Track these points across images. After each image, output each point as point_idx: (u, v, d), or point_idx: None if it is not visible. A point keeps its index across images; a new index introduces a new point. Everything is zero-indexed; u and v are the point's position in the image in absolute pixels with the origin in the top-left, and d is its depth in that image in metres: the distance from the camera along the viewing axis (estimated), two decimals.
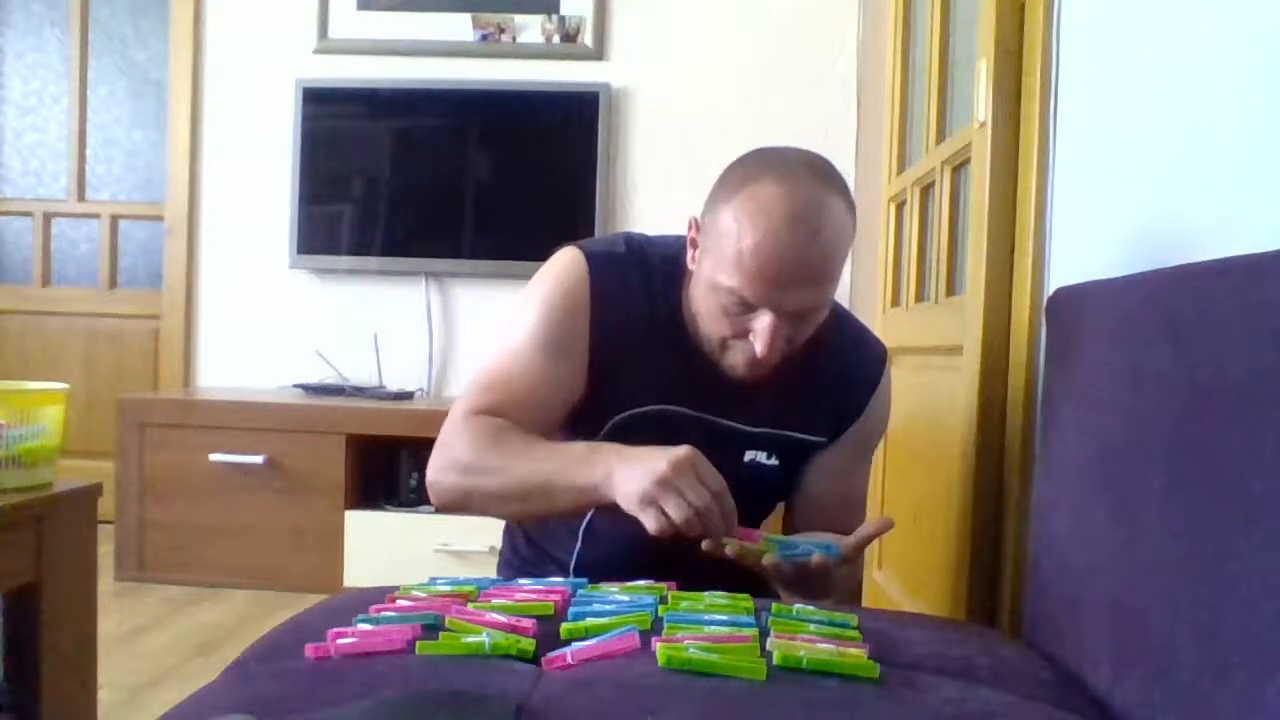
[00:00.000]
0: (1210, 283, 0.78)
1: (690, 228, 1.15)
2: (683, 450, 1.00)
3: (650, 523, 0.99)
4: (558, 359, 1.16)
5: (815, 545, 1.03)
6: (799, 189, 1.04)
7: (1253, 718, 0.66)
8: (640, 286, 1.19)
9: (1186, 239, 0.95)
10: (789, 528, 1.28)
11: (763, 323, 1.07)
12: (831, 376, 1.22)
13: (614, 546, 1.19)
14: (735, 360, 1.12)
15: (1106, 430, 0.94)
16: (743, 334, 1.09)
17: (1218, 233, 0.90)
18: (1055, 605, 1.03)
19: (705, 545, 1.00)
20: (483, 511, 1.16)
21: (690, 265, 1.15)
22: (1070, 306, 1.08)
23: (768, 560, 1.01)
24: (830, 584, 1.06)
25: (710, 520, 0.99)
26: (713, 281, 1.08)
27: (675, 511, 0.97)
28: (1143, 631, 0.82)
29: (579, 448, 1.09)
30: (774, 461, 1.22)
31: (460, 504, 1.15)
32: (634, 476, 1.00)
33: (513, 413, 1.15)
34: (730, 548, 1.00)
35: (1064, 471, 1.05)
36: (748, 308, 1.07)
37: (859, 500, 1.30)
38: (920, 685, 0.77)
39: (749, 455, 1.21)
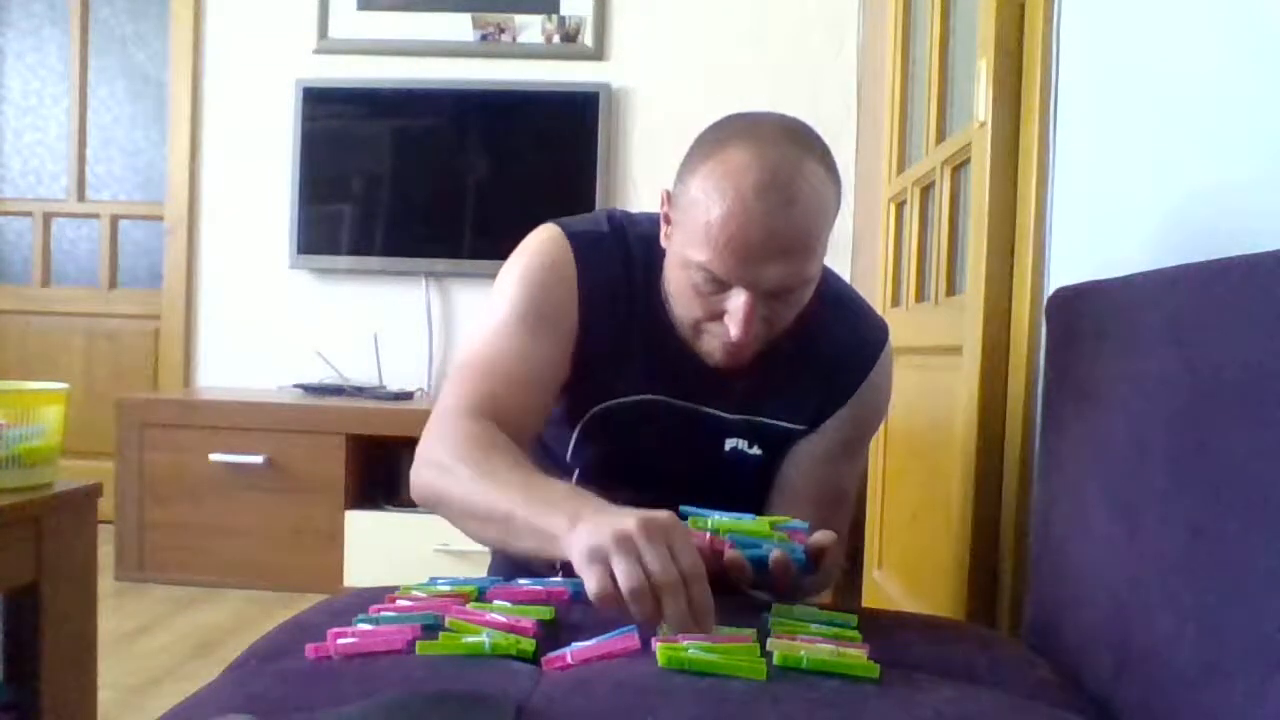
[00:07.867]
0: (1210, 283, 0.78)
1: (663, 202, 1.07)
2: (663, 514, 0.81)
3: (591, 583, 0.78)
4: (542, 334, 1.09)
5: (777, 545, 0.92)
6: (770, 153, 0.94)
7: (1253, 718, 0.66)
8: (622, 268, 1.11)
9: (1186, 239, 0.95)
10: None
11: (737, 302, 0.97)
12: (821, 360, 1.13)
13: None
14: (711, 346, 1.04)
15: (1106, 430, 0.94)
16: (717, 315, 1.00)
17: (1218, 232, 0.90)
18: (1055, 605, 1.03)
19: (661, 632, 0.79)
20: (452, 521, 1.02)
21: (664, 242, 1.07)
22: (1070, 306, 1.08)
23: (729, 556, 0.88)
24: (797, 586, 0.95)
25: (670, 601, 0.76)
26: (683, 258, 0.99)
27: (624, 574, 0.76)
28: (1143, 631, 0.82)
29: (559, 486, 0.92)
30: (756, 451, 1.14)
31: (435, 504, 1.03)
32: (593, 530, 0.80)
33: (504, 395, 1.06)
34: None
35: (1064, 471, 1.05)
36: (721, 286, 0.98)
37: (840, 497, 1.18)
38: (920, 685, 0.77)
39: (730, 444, 1.13)
